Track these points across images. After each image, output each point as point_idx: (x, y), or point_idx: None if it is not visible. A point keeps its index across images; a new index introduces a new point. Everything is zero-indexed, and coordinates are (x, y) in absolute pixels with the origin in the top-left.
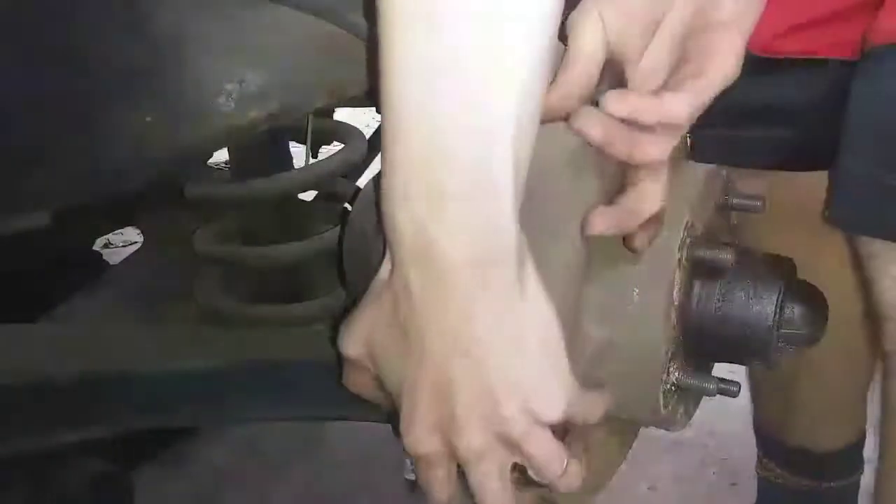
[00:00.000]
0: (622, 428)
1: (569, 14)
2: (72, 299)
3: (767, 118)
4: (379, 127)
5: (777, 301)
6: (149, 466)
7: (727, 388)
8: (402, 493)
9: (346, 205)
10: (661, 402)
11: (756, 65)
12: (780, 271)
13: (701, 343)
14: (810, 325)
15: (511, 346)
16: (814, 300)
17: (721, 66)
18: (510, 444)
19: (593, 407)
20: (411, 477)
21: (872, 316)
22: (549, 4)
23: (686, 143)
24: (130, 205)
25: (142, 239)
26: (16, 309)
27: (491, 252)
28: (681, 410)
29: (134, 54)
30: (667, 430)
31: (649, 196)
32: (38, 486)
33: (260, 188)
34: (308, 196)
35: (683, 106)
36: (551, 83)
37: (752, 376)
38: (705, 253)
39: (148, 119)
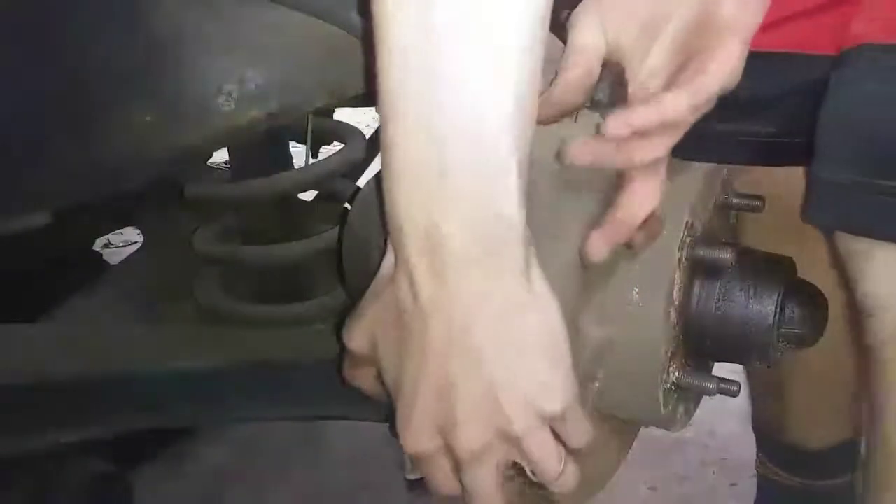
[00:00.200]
0: (622, 428)
1: (569, 13)
2: (72, 299)
3: (748, 113)
4: (379, 127)
5: (777, 301)
6: (149, 466)
7: (727, 388)
8: (402, 493)
9: (346, 205)
10: (661, 402)
11: None
12: (780, 271)
13: (701, 343)
14: (810, 324)
15: (516, 343)
16: (814, 300)
17: (723, 65)
18: (510, 441)
19: (583, 427)
20: (411, 477)
21: (853, 312)
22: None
23: None
24: (130, 205)
25: (142, 239)
26: (16, 309)
27: (497, 246)
28: (681, 410)
29: (134, 54)
30: (667, 430)
31: (646, 195)
32: (38, 486)
33: (260, 188)
34: (308, 196)
35: (683, 103)
36: (552, 81)
37: (748, 375)
38: (705, 253)
39: (148, 119)
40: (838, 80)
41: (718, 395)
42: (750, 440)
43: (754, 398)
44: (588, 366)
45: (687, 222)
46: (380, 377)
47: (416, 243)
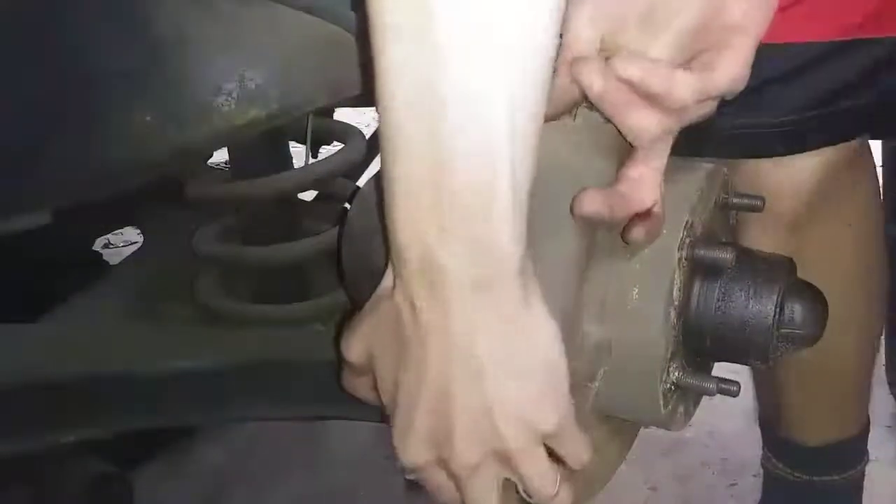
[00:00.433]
0: (622, 428)
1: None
2: (72, 299)
3: (730, 104)
4: (378, 128)
5: (777, 301)
6: (149, 466)
7: (727, 388)
8: (402, 493)
9: (346, 205)
10: (661, 402)
11: None
12: (780, 271)
13: (701, 343)
14: (810, 324)
15: (513, 365)
16: (814, 300)
17: (730, 66)
18: (504, 458)
19: (581, 446)
20: (411, 477)
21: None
22: (543, 34)
23: None
24: (130, 205)
25: (142, 239)
26: (16, 309)
27: (493, 275)
28: (681, 410)
29: (133, 54)
30: (667, 430)
31: (644, 183)
32: (38, 487)
33: (260, 188)
34: (308, 196)
35: (689, 86)
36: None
37: (753, 372)
38: (705, 253)
39: (148, 119)
40: None
41: (719, 395)
42: (750, 440)
43: (758, 394)
44: (588, 366)
45: (687, 222)
46: (376, 387)
47: (415, 266)
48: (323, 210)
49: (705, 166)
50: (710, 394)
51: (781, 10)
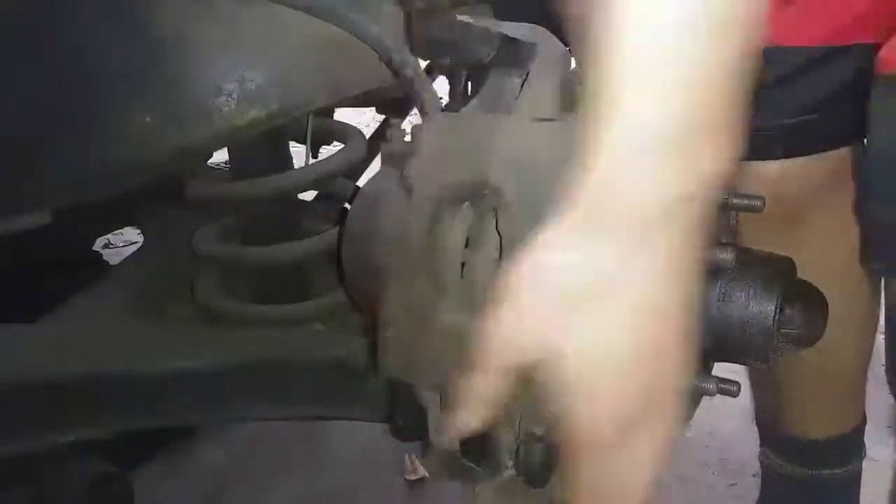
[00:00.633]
0: None
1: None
2: (72, 299)
3: None
4: (378, 128)
5: (777, 301)
6: (149, 466)
7: (727, 388)
8: (402, 493)
9: (346, 205)
10: None
11: None
12: (780, 271)
13: (701, 343)
14: (810, 324)
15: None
16: (814, 300)
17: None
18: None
19: None
20: (411, 477)
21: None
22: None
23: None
24: (130, 205)
25: (142, 239)
26: (16, 309)
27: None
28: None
29: (133, 54)
30: None
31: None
32: (38, 487)
33: (260, 188)
34: (308, 196)
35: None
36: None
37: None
38: (705, 253)
39: (148, 119)
40: (878, 113)
41: (718, 395)
42: (749, 440)
43: (754, 391)
44: None
45: None
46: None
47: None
48: (323, 210)
49: None
50: (710, 394)
51: (774, 12)
